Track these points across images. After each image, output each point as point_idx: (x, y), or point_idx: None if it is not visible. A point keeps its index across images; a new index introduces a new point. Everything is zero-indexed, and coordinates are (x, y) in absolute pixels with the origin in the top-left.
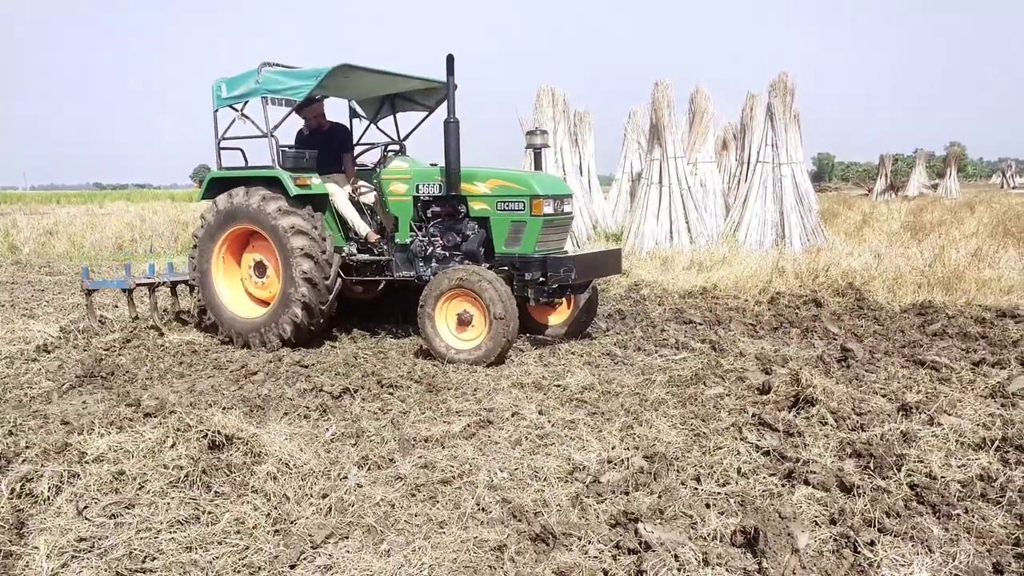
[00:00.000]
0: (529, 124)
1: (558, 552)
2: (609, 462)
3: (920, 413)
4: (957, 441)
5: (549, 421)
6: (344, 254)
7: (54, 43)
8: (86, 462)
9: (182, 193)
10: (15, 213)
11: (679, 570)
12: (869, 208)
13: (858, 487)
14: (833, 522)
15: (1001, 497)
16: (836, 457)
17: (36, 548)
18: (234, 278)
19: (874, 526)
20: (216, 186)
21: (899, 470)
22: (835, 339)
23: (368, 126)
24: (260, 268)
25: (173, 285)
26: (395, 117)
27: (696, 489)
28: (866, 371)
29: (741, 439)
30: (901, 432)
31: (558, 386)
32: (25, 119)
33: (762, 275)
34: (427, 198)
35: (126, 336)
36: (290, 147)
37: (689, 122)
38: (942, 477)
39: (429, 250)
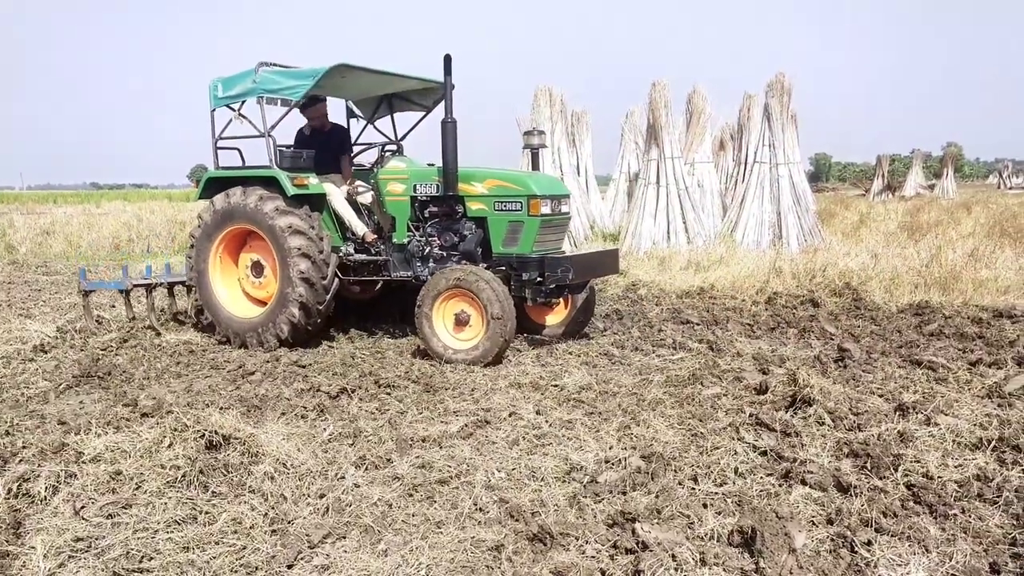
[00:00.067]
0: (526, 124)
1: (555, 552)
2: (606, 462)
3: (917, 413)
4: (954, 441)
5: (546, 421)
6: (341, 254)
7: (51, 43)
8: (83, 462)
9: (179, 193)
10: (12, 213)
11: (676, 570)
12: (866, 208)
13: (855, 487)
14: (830, 522)
15: (998, 497)
16: (833, 457)
17: (33, 548)
18: (231, 278)
19: (871, 526)
20: (213, 186)
21: (896, 470)
22: (832, 339)
23: (365, 126)
24: (257, 268)
25: (170, 286)
26: (392, 117)
27: (693, 489)
28: (863, 371)
29: (738, 439)
30: (898, 432)
31: (555, 386)
32: (22, 119)
33: (759, 275)
34: (424, 198)
35: (123, 336)
36: (288, 147)
37: (686, 122)
38: (939, 477)
39: (426, 250)
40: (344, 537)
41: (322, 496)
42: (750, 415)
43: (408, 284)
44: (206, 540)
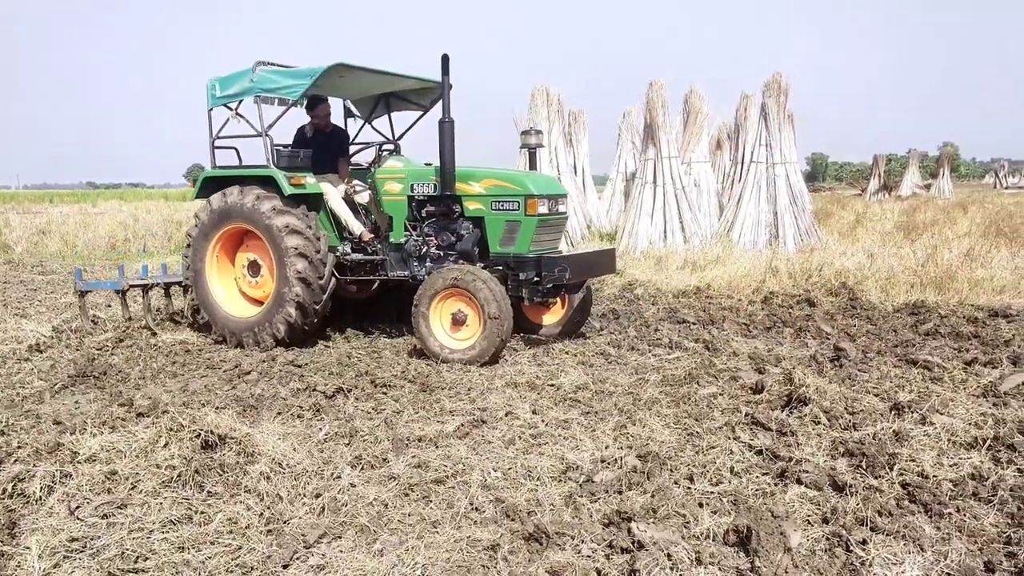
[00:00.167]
0: (524, 124)
1: (551, 551)
2: (602, 461)
3: (912, 412)
4: (949, 440)
5: (543, 421)
6: (338, 253)
7: (47, 43)
8: (78, 462)
9: (176, 192)
10: (8, 212)
11: (672, 569)
12: (862, 208)
13: (850, 486)
14: (825, 521)
15: (992, 496)
16: (829, 456)
17: (28, 548)
18: (228, 277)
19: (866, 525)
20: (210, 185)
21: (891, 469)
22: (828, 338)
23: (363, 125)
24: (254, 267)
25: (167, 286)
26: (390, 116)
27: (689, 488)
28: (859, 370)
29: (734, 438)
30: (893, 431)
31: (552, 386)
32: (18, 119)
33: (756, 275)
34: (421, 198)
35: (119, 336)
36: (285, 146)
37: (683, 122)
38: (934, 476)
39: (423, 250)
40: (340, 537)
41: (318, 496)
42: (746, 414)
43: (405, 284)
44: (202, 540)
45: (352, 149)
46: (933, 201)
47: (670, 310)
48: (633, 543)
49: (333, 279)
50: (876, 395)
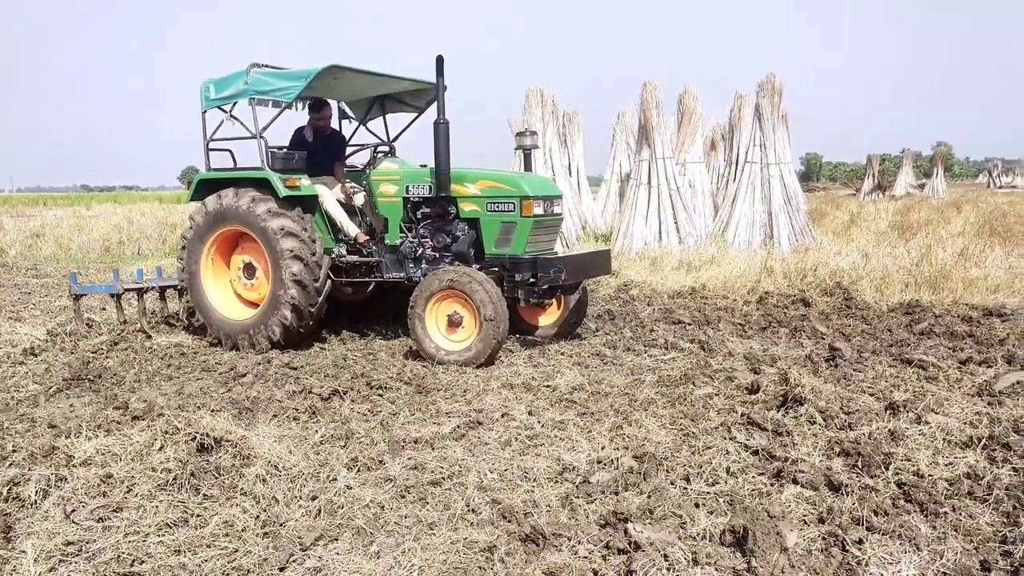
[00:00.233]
0: (518, 125)
1: (548, 552)
2: (599, 462)
3: (908, 412)
4: (944, 439)
5: (539, 422)
6: (334, 256)
7: (44, 45)
8: (73, 465)
9: (170, 195)
10: (1, 215)
11: (668, 570)
12: (857, 208)
13: (846, 486)
14: (821, 521)
15: (988, 495)
16: (824, 456)
17: (23, 552)
18: (223, 280)
19: (862, 524)
20: (205, 188)
21: (887, 468)
22: (823, 338)
23: (358, 127)
24: (249, 270)
25: (162, 290)
26: (385, 118)
27: (685, 489)
28: (854, 370)
29: (730, 439)
30: (889, 431)
31: (548, 387)
32: (11, 121)
33: (751, 275)
34: (417, 199)
35: (114, 339)
36: (280, 148)
37: (678, 123)
38: (929, 475)
39: (419, 251)
40: (336, 539)
41: (314, 498)
42: (742, 415)
43: (401, 285)
44: (197, 543)
45: (347, 151)
46: (927, 201)
47: (665, 311)
48: (630, 544)
49: (329, 281)
50: (871, 395)
